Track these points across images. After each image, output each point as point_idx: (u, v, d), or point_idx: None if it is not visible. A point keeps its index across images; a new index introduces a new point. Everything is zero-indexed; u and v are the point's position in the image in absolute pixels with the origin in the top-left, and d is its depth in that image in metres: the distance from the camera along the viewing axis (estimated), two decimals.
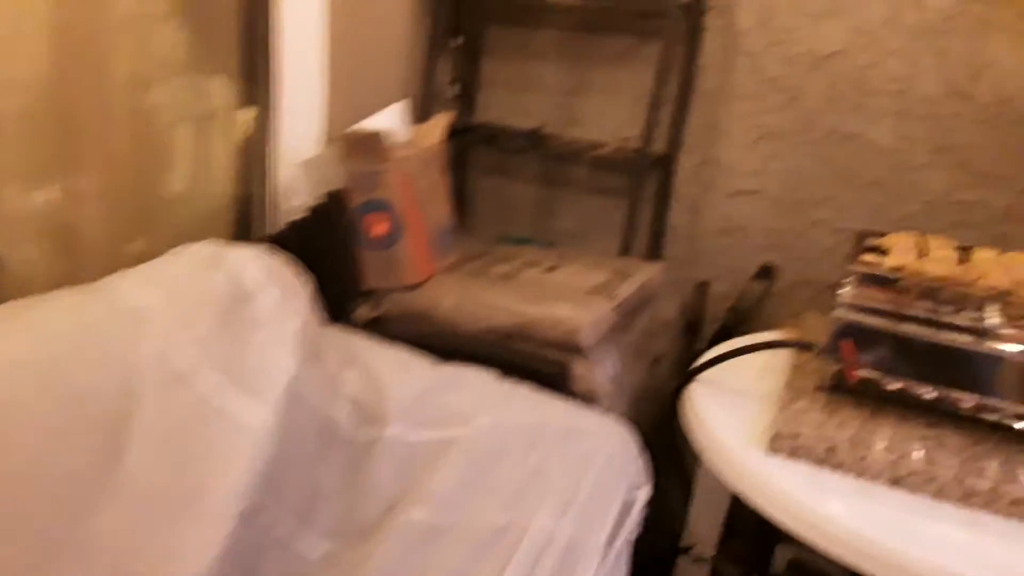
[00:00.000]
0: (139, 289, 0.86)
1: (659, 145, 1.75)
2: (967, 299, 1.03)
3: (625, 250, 1.66)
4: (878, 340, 1.02)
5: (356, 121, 1.44)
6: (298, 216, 1.36)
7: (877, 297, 1.04)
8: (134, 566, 0.69)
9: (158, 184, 1.30)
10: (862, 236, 1.27)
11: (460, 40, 1.89)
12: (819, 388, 1.07)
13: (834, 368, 1.04)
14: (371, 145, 1.35)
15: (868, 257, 1.13)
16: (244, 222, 1.45)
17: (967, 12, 1.49)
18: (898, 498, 0.91)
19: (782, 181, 1.70)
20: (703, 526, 1.26)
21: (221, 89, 1.38)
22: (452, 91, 1.92)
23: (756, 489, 0.95)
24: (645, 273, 1.49)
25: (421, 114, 1.78)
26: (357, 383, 1.03)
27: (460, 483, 0.92)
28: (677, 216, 1.82)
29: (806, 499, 0.90)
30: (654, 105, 1.60)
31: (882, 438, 0.97)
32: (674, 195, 1.81)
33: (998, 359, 0.96)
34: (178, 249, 0.96)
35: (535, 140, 1.80)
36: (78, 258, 1.14)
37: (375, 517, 0.89)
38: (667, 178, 1.79)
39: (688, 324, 1.74)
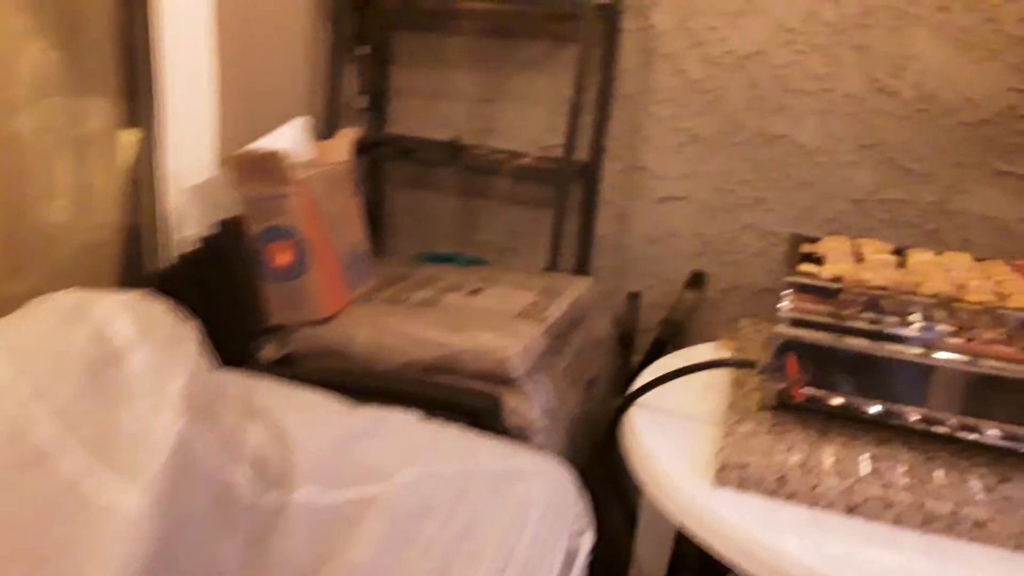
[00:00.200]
0: None
1: (582, 153, 1.68)
2: (910, 307, 0.99)
3: (553, 262, 1.58)
4: (822, 355, 0.96)
5: (253, 140, 1.32)
6: (190, 248, 1.23)
7: (818, 310, 0.98)
8: None
9: (32, 216, 1.17)
10: (795, 242, 1.23)
11: (367, 48, 1.78)
12: (763, 407, 1.02)
13: (778, 387, 0.99)
14: (269, 166, 1.23)
15: (805, 267, 1.08)
16: (132, 255, 1.32)
17: (886, 5, 1.46)
18: (855, 527, 0.85)
19: (710, 185, 1.66)
20: (648, 561, 1.19)
21: (99, 110, 1.25)
22: (361, 103, 1.80)
23: (703, 524, 0.88)
24: (575, 290, 1.41)
25: (327, 129, 1.66)
26: (260, 438, 0.91)
27: (382, 550, 0.81)
28: (604, 225, 1.75)
29: (757, 534, 0.83)
30: (574, 111, 1.52)
31: (832, 458, 0.91)
32: (600, 204, 1.74)
33: (943, 370, 0.92)
34: (36, 301, 0.83)
35: (453, 152, 1.70)
36: None
37: None
38: (592, 186, 1.72)
39: (621, 337, 1.68)
